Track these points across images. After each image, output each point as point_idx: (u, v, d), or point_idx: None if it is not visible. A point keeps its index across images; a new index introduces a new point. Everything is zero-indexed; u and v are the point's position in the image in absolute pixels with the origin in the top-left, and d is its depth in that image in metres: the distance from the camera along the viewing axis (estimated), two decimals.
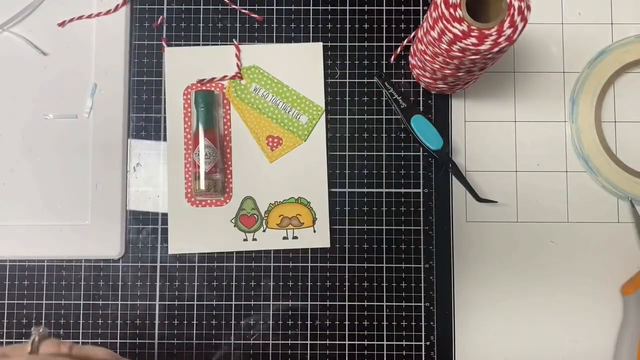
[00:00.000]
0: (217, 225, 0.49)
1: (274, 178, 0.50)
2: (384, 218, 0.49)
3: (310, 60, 0.50)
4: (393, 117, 0.50)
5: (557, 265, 0.49)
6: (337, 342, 0.48)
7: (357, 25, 0.51)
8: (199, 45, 0.51)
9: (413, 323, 0.48)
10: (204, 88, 0.50)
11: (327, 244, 0.49)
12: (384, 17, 0.51)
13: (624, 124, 0.50)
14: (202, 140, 0.47)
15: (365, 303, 0.49)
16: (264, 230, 0.49)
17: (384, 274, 0.49)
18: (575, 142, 0.50)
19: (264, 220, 0.49)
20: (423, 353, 0.48)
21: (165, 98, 0.50)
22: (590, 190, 0.50)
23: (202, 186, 0.47)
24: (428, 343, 0.48)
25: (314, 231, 0.49)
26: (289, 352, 0.48)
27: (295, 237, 0.49)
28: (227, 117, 0.50)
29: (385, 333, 0.48)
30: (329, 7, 0.51)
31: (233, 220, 0.49)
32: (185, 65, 0.50)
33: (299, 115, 0.50)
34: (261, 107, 0.50)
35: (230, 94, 0.50)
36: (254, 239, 0.49)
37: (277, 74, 0.50)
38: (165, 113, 0.50)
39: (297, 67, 0.50)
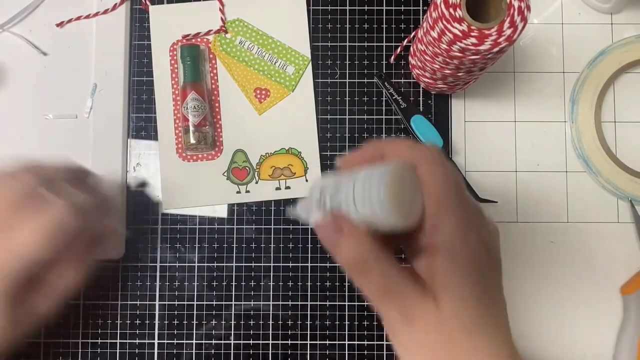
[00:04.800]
0: (210, 179, 0.49)
1: (264, 130, 0.50)
2: None
3: (294, 10, 0.50)
4: (393, 117, 0.50)
5: (557, 265, 0.49)
6: (337, 342, 0.48)
7: (357, 25, 0.51)
8: (182, 2, 0.51)
9: None
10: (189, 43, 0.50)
11: None
12: (384, 17, 0.51)
13: (624, 124, 0.50)
14: (190, 94, 0.47)
15: (365, 303, 0.49)
16: (256, 182, 0.49)
17: None
18: (575, 142, 0.50)
19: (256, 172, 0.49)
20: None
21: (152, 55, 0.50)
22: (590, 190, 0.50)
23: (192, 139, 0.47)
24: None
25: (306, 180, 0.49)
26: (289, 352, 0.48)
27: (287, 187, 0.49)
28: (214, 71, 0.50)
29: (385, 333, 0.48)
30: (329, 7, 0.51)
31: (225, 174, 0.49)
32: (170, 23, 0.50)
33: (286, 66, 0.50)
34: (247, 59, 0.50)
35: (216, 49, 0.50)
36: (247, 191, 0.49)
37: (262, 25, 0.50)
38: (153, 71, 0.50)
39: (281, 18, 0.50)
